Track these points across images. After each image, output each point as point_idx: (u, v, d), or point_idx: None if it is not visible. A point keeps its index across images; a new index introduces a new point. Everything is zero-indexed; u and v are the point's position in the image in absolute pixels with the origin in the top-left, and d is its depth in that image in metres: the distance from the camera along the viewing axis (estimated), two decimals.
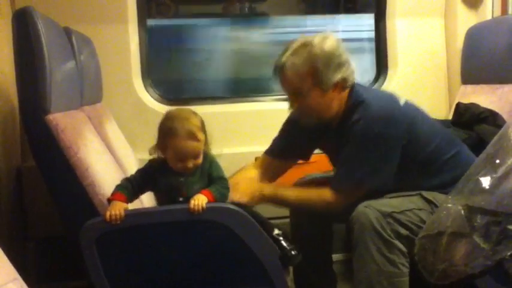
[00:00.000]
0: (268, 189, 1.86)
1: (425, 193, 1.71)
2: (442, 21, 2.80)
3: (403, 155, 1.72)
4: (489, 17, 2.61)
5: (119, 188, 1.55)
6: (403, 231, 1.61)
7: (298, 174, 2.19)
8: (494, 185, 1.34)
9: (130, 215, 1.55)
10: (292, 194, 1.86)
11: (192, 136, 1.51)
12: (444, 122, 2.24)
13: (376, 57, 2.92)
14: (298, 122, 1.87)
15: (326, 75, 1.70)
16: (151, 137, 1.94)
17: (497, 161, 1.37)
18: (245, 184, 1.83)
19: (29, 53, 1.44)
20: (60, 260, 2.22)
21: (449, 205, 1.45)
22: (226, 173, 2.48)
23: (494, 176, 1.35)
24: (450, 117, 2.34)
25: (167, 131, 1.52)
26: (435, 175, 1.76)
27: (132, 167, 2.01)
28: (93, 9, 2.44)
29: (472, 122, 2.12)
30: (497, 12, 2.62)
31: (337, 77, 1.71)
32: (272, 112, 2.68)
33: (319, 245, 2.01)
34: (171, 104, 2.64)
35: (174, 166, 1.53)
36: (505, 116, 2.10)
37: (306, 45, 1.71)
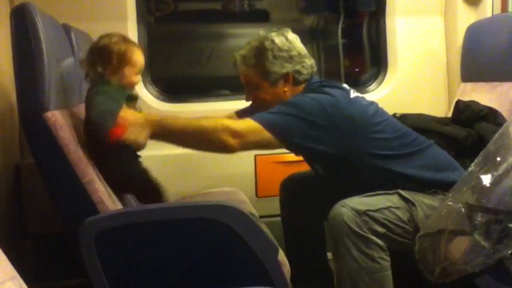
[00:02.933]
0: (154, 116, 1.69)
1: (403, 192, 1.70)
2: (442, 19, 2.79)
3: (360, 142, 1.70)
4: (489, 15, 2.61)
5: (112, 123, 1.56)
6: (380, 229, 1.60)
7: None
8: (495, 183, 1.34)
9: (129, 212, 1.55)
10: (183, 121, 1.69)
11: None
12: (444, 120, 2.24)
13: (375, 56, 2.92)
14: None
15: (273, 67, 1.76)
16: None
17: (498, 159, 1.36)
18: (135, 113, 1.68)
19: (28, 50, 1.43)
20: (58, 257, 2.21)
21: (450, 203, 1.45)
22: (226, 171, 2.51)
23: (495, 173, 1.35)
24: (450, 115, 2.33)
25: (125, 49, 1.67)
26: (406, 162, 1.75)
27: None
28: (92, 6, 2.43)
29: (471, 119, 2.12)
30: (497, 9, 2.61)
31: (286, 69, 1.76)
32: None
33: (311, 241, 2.01)
34: (170, 101, 2.64)
35: (130, 83, 1.69)
36: (504, 114, 2.10)
37: (259, 39, 1.80)
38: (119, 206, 1.68)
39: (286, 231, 2.07)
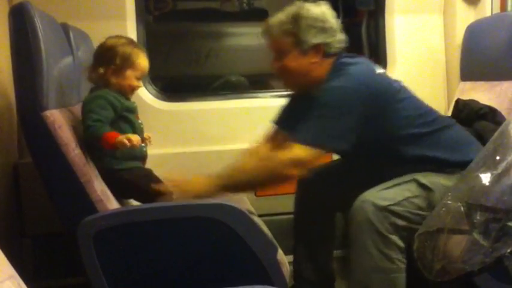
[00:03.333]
0: (221, 179, 1.74)
1: (420, 177, 1.70)
2: (441, 18, 2.79)
3: (382, 120, 1.71)
4: (488, 14, 2.61)
5: (105, 128, 1.60)
6: (401, 222, 1.61)
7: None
8: (494, 182, 1.34)
9: (127, 211, 1.55)
10: (245, 176, 1.72)
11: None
12: None
13: (374, 54, 2.92)
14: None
15: (306, 35, 1.75)
16: (149, 132, 1.95)
17: (498, 158, 1.36)
18: (195, 181, 1.74)
19: (26, 49, 1.42)
20: (57, 257, 2.21)
21: (449, 202, 1.45)
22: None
23: (494, 172, 1.35)
24: (449, 113, 2.33)
25: (130, 52, 1.69)
26: (424, 142, 1.75)
27: None
28: (91, 5, 2.42)
29: (471, 118, 2.12)
30: (497, 8, 2.62)
31: (318, 40, 1.76)
32: (269, 109, 2.66)
33: (321, 239, 2.01)
34: (169, 100, 2.63)
35: (130, 86, 1.72)
36: (503, 113, 2.10)
37: (296, 6, 1.80)
38: (117, 205, 1.68)
39: (298, 228, 2.06)
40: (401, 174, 1.72)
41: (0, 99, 2.04)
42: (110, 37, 1.75)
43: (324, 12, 1.79)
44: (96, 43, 2.24)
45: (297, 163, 1.66)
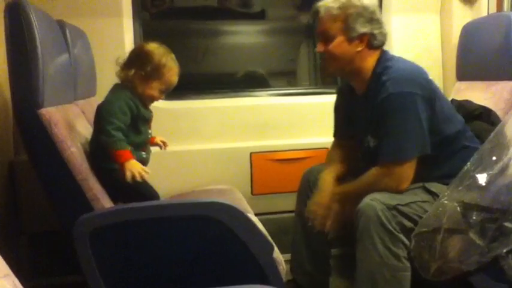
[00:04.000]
0: (335, 196, 1.85)
1: (428, 185, 1.73)
2: (438, 18, 2.80)
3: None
4: (485, 14, 2.61)
5: (123, 145, 1.60)
6: (408, 223, 1.62)
7: (294, 171, 2.19)
8: (490, 182, 1.34)
9: (123, 210, 1.54)
10: (355, 185, 1.82)
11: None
12: None
13: None
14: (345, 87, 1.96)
15: (355, 23, 1.76)
16: None
17: (494, 158, 1.36)
18: (319, 204, 1.87)
19: (22, 46, 1.42)
20: (53, 255, 2.21)
21: (445, 201, 1.45)
22: (222, 168, 2.51)
23: (491, 172, 1.35)
24: None
25: (163, 64, 1.68)
26: (445, 162, 1.77)
27: None
28: (87, 2, 2.41)
29: (466, 118, 2.12)
30: (493, 9, 2.62)
31: (365, 29, 1.77)
32: (266, 107, 2.68)
33: (321, 236, 2.01)
34: (167, 99, 2.62)
35: (151, 96, 1.72)
36: (499, 113, 2.10)
37: None
38: (113, 203, 1.67)
39: (298, 224, 2.07)
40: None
41: None
42: (151, 43, 1.75)
43: (374, 3, 1.82)
44: (92, 40, 2.25)
45: (400, 179, 1.71)
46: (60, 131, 1.49)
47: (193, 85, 3.25)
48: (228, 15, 3.54)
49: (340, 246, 1.95)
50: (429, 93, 1.73)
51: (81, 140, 1.67)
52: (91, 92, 2.22)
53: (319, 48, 1.83)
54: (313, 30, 1.85)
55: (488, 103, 2.18)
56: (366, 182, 1.77)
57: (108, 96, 1.71)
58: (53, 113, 1.50)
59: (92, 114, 1.98)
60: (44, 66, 1.44)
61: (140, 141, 1.73)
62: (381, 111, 1.73)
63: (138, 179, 1.59)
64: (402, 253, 1.60)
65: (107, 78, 2.41)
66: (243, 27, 3.64)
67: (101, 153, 1.65)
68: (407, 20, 2.75)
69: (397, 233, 1.59)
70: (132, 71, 1.68)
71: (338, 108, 2.06)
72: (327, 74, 1.98)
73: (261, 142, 2.57)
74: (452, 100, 2.27)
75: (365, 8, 1.78)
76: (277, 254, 1.65)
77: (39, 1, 1.98)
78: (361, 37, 1.77)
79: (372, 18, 1.78)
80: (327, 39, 1.80)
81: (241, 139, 2.59)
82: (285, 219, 2.15)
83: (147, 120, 1.76)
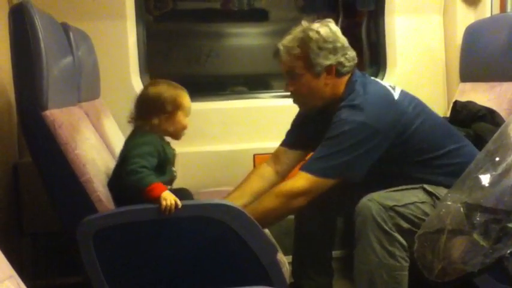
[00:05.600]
0: None
1: (427, 186, 1.72)
2: (441, 19, 2.79)
3: (397, 148, 1.71)
4: (488, 15, 2.61)
5: (153, 178, 1.54)
6: (405, 224, 1.62)
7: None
8: (493, 183, 1.34)
9: (127, 211, 1.54)
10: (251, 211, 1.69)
11: None
12: None
13: (374, 55, 2.92)
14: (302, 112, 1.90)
15: (317, 58, 1.73)
16: None
17: (497, 159, 1.36)
18: None
19: (26, 49, 1.42)
20: (56, 256, 2.21)
21: (449, 202, 1.45)
22: (225, 170, 2.51)
23: (494, 173, 1.34)
24: (448, 114, 2.33)
25: (176, 96, 1.68)
26: (436, 168, 1.76)
27: None
28: (91, 4, 2.42)
29: (469, 120, 2.12)
30: (496, 9, 2.62)
31: (330, 61, 1.74)
32: (270, 109, 2.68)
33: (321, 239, 2.01)
34: None
35: (183, 127, 1.72)
36: (503, 114, 2.09)
37: (303, 29, 1.77)
38: (116, 205, 1.67)
39: (298, 228, 2.07)
40: (408, 184, 1.74)
41: (0, 99, 2.04)
42: (147, 86, 1.74)
43: (333, 31, 1.77)
44: (96, 43, 2.25)
45: (302, 193, 1.69)
46: (64, 133, 1.50)
47: (196, 87, 3.26)
48: (230, 17, 3.54)
49: (339, 249, 1.95)
50: (389, 125, 1.68)
51: (84, 141, 1.67)
52: (95, 94, 2.22)
53: (288, 88, 1.82)
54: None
55: (491, 104, 2.17)
56: (269, 207, 1.71)
57: (137, 139, 1.65)
58: (57, 115, 1.50)
59: (95, 116, 1.99)
60: (48, 68, 1.45)
61: (165, 181, 1.67)
62: (328, 132, 1.70)
63: (173, 209, 1.51)
64: (399, 253, 1.60)
65: (110, 80, 2.44)
66: (246, 29, 3.64)
67: (128, 195, 1.59)
68: (411, 21, 2.75)
69: (393, 233, 1.60)
70: (156, 119, 1.65)
71: (299, 117, 2.02)
72: (302, 111, 1.93)
73: (265, 144, 2.56)
74: (456, 101, 2.27)
75: (325, 39, 1.73)
76: (280, 255, 1.65)
77: (44, 4, 1.98)
78: (328, 69, 1.74)
79: (334, 47, 1.74)
80: (293, 78, 1.78)
81: (244, 141, 2.59)
82: (286, 221, 2.14)
83: (171, 160, 1.73)
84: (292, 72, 1.78)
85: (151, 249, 1.55)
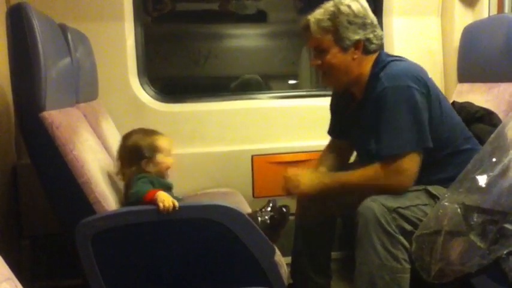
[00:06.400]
0: (327, 177, 1.83)
1: (430, 188, 1.71)
2: (439, 20, 2.80)
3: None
4: (486, 16, 2.61)
5: (148, 187, 1.64)
6: (408, 226, 1.61)
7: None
8: (491, 184, 1.34)
9: (125, 213, 1.55)
10: (353, 176, 1.75)
11: None
12: None
13: None
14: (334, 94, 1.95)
15: (346, 32, 1.74)
16: None
17: (494, 160, 1.36)
18: (304, 176, 1.84)
19: (24, 50, 1.42)
20: (55, 258, 2.21)
21: (446, 203, 1.45)
22: (223, 171, 2.51)
23: (491, 174, 1.35)
24: None
25: (152, 141, 1.77)
26: (445, 166, 1.76)
27: None
28: (89, 6, 2.42)
29: (467, 121, 2.12)
30: (494, 10, 2.62)
31: (359, 36, 1.75)
32: (271, 110, 2.69)
33: (321, 240, 2.01)
34: (167, 102, 2.64)
35: (166, 166, 1.79)
36: (501, 115, 2.10)
37: (335, 3, 1.77)
38: (115, 206, 1.68)
39: (298, 228, 2.06)
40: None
41: None
42: (126, 136, 1.80)
43: (364, 7, 1.79)
44: (94, 44, 2.25)
45: (400, 171, 1.66)
46: (62, 134, 1.50)
47: (194, 88, 3.27)
48: (229, 18, 3.55)
49: (338, 250, 1.94)
50: (426, 89, 1.69)
51: (82, 143, 1.68)
52: (93, 95, 2.22)
53: (315, 62, 1.82)
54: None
55: (489, 105, 2.17)
56: (364, 174, 1.71)
57: (133, 183, 1.71)
58: (55, 116, 1.50)
59: (93, 117, 1.99)
60: (46, 69, 1.45)
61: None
62: (377, 106, 1.69)
63: (170, 209, 1.54)
64: (401, 255, 1.59)
65: (108, 81, 2.44)
66: (244, 30, 3.65)
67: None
68: (409, 22, 2.75)
69: (396, 235, 1.59)
70: (140, 164, 1.73)
71: (333, 109, 2.06)
72: (328, 86, 1.96)
73: (263, 145, 2.57)
74: (454, 102, 2.27)
75: (355, 14, 1.74)
76: (278, 256, 1.65)
77: (41, 5, 1.98)
78: (356, 44, 1.75)
79: (364, 23, 1.75)
80: (321, 52, 1.78)
81: (242, 142, 2.59)
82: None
83: (169, 189, 1.78)
84: (320, 46, 1.78)
85: (150, 251, 1.55)
